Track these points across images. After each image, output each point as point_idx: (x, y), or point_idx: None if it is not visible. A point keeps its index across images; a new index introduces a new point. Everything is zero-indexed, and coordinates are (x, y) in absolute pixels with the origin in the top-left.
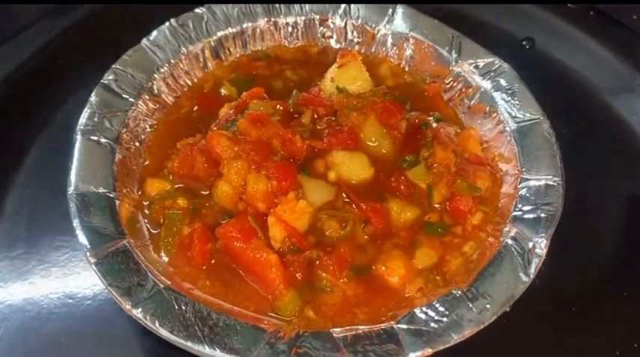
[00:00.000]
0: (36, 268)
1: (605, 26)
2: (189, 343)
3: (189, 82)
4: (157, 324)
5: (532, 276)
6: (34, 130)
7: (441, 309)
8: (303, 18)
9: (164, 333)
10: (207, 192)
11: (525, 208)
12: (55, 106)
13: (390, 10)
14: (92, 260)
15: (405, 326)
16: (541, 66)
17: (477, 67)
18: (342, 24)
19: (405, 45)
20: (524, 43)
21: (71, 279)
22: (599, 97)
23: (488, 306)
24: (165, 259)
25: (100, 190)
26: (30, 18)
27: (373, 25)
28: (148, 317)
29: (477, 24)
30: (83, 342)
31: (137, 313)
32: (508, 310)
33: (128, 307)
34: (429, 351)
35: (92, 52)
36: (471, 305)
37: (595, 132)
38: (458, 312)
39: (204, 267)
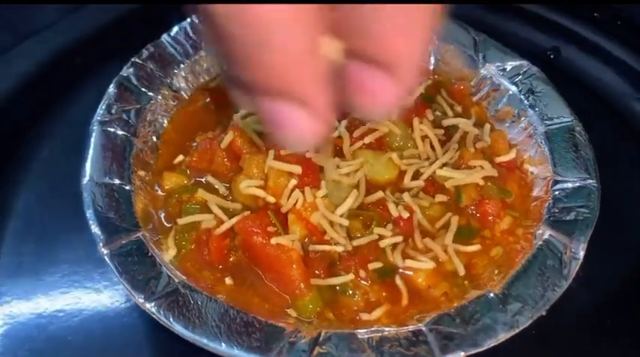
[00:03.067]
0: (45, 265)
1: (632, 36)
2: (204, 340)
3: (207, 79)
4: (170, 319)
5: (569, 280)
6: (49, 126)
7: (473, 312)
8: None
9: (178, 328)
10: (227, 187)
11: (559, 211)
12: (71, 104)
13: None
14: (105, 252)
15: (434, 328)
16: (567, 76)
17: (504, 69)
18: None
19: (429, 47)
20: (549, 53)
21: (80, 277)
22: (626, 107)
23: (523, 309)
24: (182, 254)
25: (116, 182)
26: (49, 18)
27: None
28: (161, 312)
29: (500, 33)
30: (91, 340)
31: (150, 307)
32: (544, 314)
33: (141, 300)
34: (461, 354)
35: (111, 52)
36: (504, 308)
37: (623, 140)
38: (491, 315)
39: (221, 265)
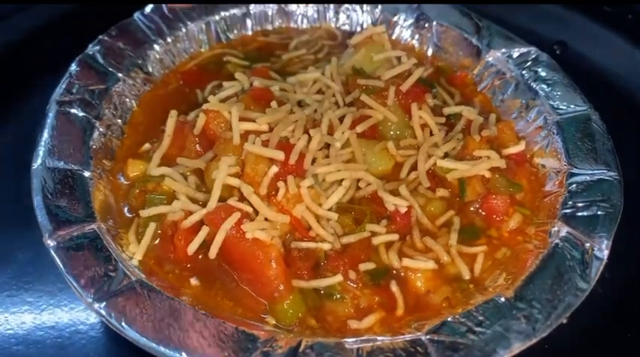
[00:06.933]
0: None
1: None
2: (161, 348)
3: (184, 61)
4: (123, 323)
5: (592, 282)
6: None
7: (481, 318)
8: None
9: (132, 334)
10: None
11: (577, 206)
12: (37, 89)
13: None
14: (51, 243)
15: (436, 337)
16: (574, 72)
17: (510, 56)
18: (360, 11)
19: (428, 34)
20: (555, 47)
21: (32, 278)
22: (636, 103)
23: (539, 316)
24: (143, 250)
25: (72, 167)
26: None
27: (393, 12)
28: (113, 314)
29: (504, 25)
30: (41, 351)
31: (100, 308)
32: (565, 321)
33: (89, 300)
34: None
35: (82, 37)
36: (518, 315)
37: (636, 137)
38: (503, 322)
39: (189, 264)
